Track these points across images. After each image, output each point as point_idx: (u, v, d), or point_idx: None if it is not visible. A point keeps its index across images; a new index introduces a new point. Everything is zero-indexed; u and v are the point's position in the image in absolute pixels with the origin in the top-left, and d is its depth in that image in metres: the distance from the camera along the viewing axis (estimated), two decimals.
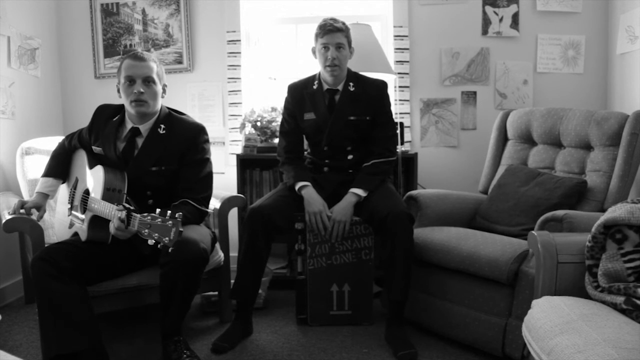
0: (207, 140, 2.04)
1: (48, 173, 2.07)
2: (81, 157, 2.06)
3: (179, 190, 1.94)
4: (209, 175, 2.03)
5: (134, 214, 1.60)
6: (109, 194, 1.81)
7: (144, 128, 1.95)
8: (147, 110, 1.91)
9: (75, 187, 2.03)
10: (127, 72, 1.88)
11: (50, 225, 2.32)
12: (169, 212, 1.57)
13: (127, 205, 1.65)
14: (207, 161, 2.03)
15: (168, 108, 2.04)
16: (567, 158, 2.33)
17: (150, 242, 1.54)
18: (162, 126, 1.95)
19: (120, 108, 2.01)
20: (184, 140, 1.96)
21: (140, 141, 1.95)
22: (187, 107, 3.05)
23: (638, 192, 2.44)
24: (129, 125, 1.96)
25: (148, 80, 1.89)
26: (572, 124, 2.33)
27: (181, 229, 1.55)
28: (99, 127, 2.00)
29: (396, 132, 2.36)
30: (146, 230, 1.56)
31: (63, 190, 2.15)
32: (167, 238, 1.54)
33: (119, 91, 1.94)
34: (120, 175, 1.88)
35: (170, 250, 1.58)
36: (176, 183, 1.95)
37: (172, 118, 2.00)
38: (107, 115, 2.01)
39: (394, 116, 2.35)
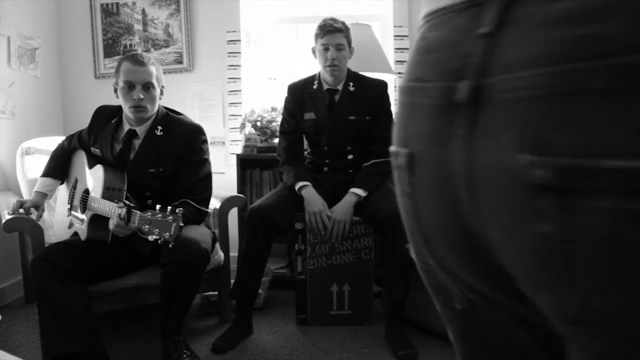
0: (205, 141, 2.03)
1: (47, 173, 2.07)
2: (81, 157, 2.06)
3: (178, 192, 1.93)
4: (208, 176, 2.02)
5: (134, 210, 1.60)
6: (109, 192, 1.81)
7: (141, 130, 1.94)
8: (145, 116, 1.91)
9: (74, 188, 2.03)
10: (127, 77, 1.86)
11: (50, 225, 2.31)
12: (169, 207, 1.57)
13: (128, 202, 1.65)
14: (205, 162, 2.02)
15: (166, 108, 2.04)
16: None
17: (151, 238, 1.54)
18: (159, 127, 1.94)
19: (118, 110, 2.00)
20: (181, 141, 1.95)
21: (137, 143, 1.94)
22: (187, 107, 3.05)
23: None
24: (126, 127, 1.95)
25: (148, 86, 1.88)
26: None
27: (182, 224, 1.55)
28: (98, 129, 2.00)
29: None
30: (146, 226, 1.56)
31: (63, 190, 2.15)
32: (167, 233, 1.54)
33: (116, 91, 1.93)
34: (120, 174, 1.88)
35: (170, 246, 1.58)
36: (174, 185, 1.94)
37: (170, 119, 1.99)
38: (106, 117, 2.01)
39: (394, 116, 2.35)
